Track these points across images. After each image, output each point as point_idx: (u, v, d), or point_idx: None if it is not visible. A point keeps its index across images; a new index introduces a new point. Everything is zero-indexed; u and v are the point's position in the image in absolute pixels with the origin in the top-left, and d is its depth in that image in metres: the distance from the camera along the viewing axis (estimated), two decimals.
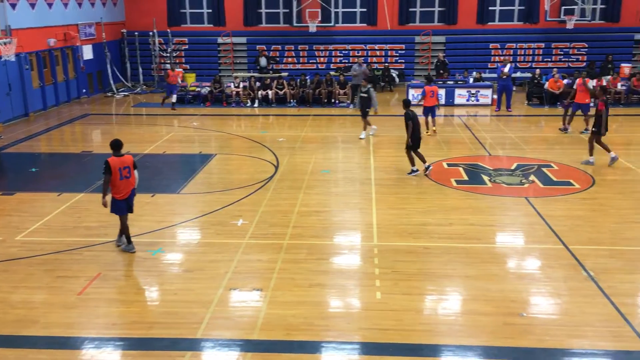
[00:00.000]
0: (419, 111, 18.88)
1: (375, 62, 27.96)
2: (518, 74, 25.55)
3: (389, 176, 13.66)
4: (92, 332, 7.38)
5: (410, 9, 28.38)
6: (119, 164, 9.29)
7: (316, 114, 21.78)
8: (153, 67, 27.99)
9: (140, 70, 27.74)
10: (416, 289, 8.38)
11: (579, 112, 17.90)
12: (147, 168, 14.67)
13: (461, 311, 7.84)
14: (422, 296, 8.22)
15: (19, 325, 7.54)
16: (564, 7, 27.16)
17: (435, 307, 7.98)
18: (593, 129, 14.41)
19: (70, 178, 14.02)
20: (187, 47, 28.88)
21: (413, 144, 13.45)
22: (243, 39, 28.74)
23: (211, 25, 29.11)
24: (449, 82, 23.65)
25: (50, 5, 22.82)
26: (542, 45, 27.75)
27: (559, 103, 22.35)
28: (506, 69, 21.31)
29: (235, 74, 26.45)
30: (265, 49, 27.74)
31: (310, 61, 28.49)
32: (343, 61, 28.03)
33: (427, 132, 18.24)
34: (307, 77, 24.24)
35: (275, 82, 23.83)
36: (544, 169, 14.14)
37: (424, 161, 13.64)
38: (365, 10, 28.43)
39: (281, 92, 23.60)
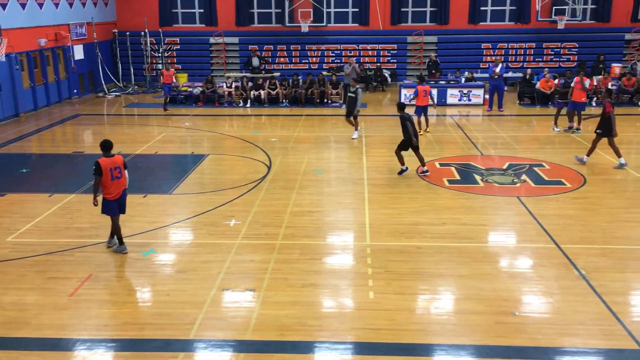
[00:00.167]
0: (411, 111, 18.99)
1: (367, 62, 27.98)
2: (510, 74, 25.65)
3: (381, 176, 13.68)
4: (84, 333, 7.34)
5: (402, 9, 28.44)
6: (110, 165, 9.26)
7: (308, 114, 21.78)
8: (145, 67, 27.91)
9: (132, 70, 27.65)
10: (409, 288, 8.39)
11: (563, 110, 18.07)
12: (139, 169, 14.63)
13: (454, 310, 7.86)
14: (414, 296, 8.24)
15: (10, 327, 7.49)
16: (555, 7, 27.31)
17: (428, 307, 7.99)
18: (598, 131, 14.15)
19: (62, 179, 13.95)
20: (179, 47, 28.81)
21: (404, 145, 13.44)
22: (235, 39, 28.70)
23: (203, 25, 29.05)
24: (441, 82, 23.71)
25: (40, 5, 22.69)
26: (534, 45, 27.88)
27: (550, 103, 22.48)
28: (498, 69, 21.38)
29: (227, 74, 26.41)
30: (258, 48, 27.71)
31: (303, 61, 28.48)
32: (335, 61, 28.05)
33: (419, 132, 18.31)
34: (299, 77, 24.24)
35: (267, 82, 23.81)
36: (536, 169, 14.20)
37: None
38: (357, 10, 28.46)
39: (273, 92, 23.58)
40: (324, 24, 27.95)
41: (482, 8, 28.19)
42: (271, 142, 17.13)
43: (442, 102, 23.04)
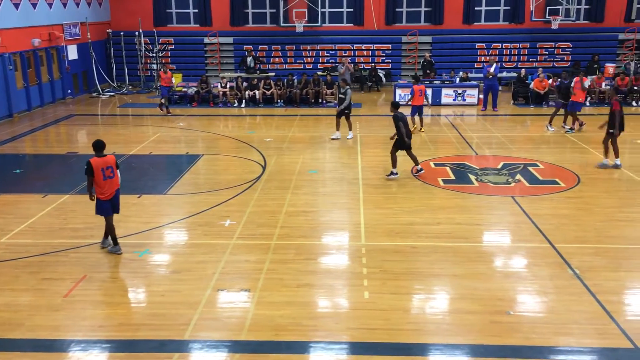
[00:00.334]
0: (407, 111, 19.03)
1: (362, 62, 28.00)
2: (504, 74, 25.72)
3: (376, 176, 13.68)
4: (79, 334, 7.32)
5: (397, 9, 28.48)
6: (102, 164, 9.27)
7: (303, 114, 21.78)
8: (139, 68, 27.84)
9: (126, 70, 27.59)
10: (404, 288, 8.40)
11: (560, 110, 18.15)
12: (134, 169, 14.61)
13: (449, 310, 7.87)
14: (409, 295, 8.25)
15: (4, 328, 7.46)
16: (549, 7, 27.42)
17: (423, 306, 8.00)
18: (610, 130, 14.04)
19: (56, 179, 13.90)
20: (173, 47, 28.74)
21: (401, 145, 13.44)
22: (230, 39, 28.66)
23: (197, 25, 29.01)
24: (435, 82, 23.75)
25: (34, 5, 22.60)
26: (528, 45, 27.96)
27: (544, 102, 22.56)
28: (492, 69, 21.44)
29: (222, 74, 26.38)
30: (252, 48, 27.69)
31: (298, 61, 28.48)
32: (330, 61, 28.06)
33: (412, 130, 18.35)
34: (294, 77, 24.23)
35: (262, 82, 23.79)
36: (530, 168, 14.24)
37: (417, 163, 13.67)
38: (352, 10, 28.48)
39: (268, 93, 23.57)
40: (319, 24, 27.95)
41: (476, 8, 28.26)
42: (266, 142, 17.12)
43: (436, 102, 23.10)
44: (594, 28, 28.02)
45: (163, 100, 21.74)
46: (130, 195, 12.29)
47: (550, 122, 18.51)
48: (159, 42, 27.63)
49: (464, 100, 23.27)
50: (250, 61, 26.49)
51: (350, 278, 8.75)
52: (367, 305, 7.93)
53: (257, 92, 23.51)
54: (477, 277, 8.68)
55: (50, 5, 23.75)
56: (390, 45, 28.33)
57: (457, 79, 24.26)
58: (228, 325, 7.49)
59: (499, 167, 14.45)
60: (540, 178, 13.57)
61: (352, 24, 28.69)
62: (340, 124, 17.38)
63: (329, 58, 28.29)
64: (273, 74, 26.27)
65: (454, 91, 23.32)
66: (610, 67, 25.63)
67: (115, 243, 9.60)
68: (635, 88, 22.85)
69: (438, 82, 23.84)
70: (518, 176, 13.64)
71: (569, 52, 27.85)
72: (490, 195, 12.45)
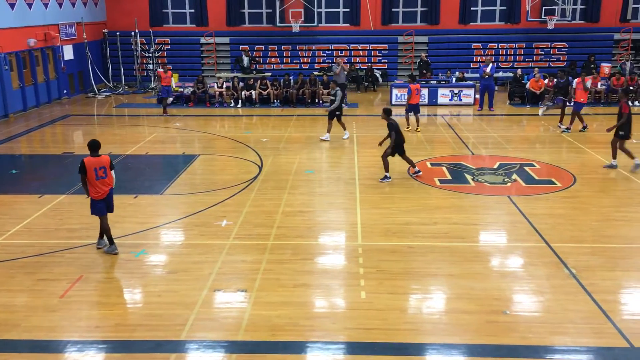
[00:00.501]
0: (402, 110, 19.07)
1: (358, 62, 28.02)
2: (500, 74, 25.78)
3: (373, 176, 13.68)
4: (75, 335, 7.30)
5: (393, 9, 28.50)
6: (95, 164, 9.32)
7: (300, 114, 21.78)
8: (135, 68, 27.80)
9: (122, 70, 27.54)
10: (401, 288, 8.41)
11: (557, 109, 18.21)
12: (130, 169, 14.58)
13: (445, 310, 7.88)
14: (406, 295, 8.25)
15: (0, 329, 7.43)
16: (544, 8, 27.47)
17: (419, 306, 8.01)
18: (620, 133, 13.87)
19: (52, 180, 13.87)
20: (169, 47, 28.71)
21: (398, 151, 13.39)
22: (226, 39, 28.64)
23: (194, 25, 28.98)
24: (432, 82, 23.78)
25: (30, 5, 22.54)
26: (524, 45, 28.02)
27: (540, 103, 22.59)
28: (488, 69, 21.48)
29: (218, 74, 26.36)
30: (249, 48, 27.67)
31: (294, 61, 28.48)
32: (326, 61, 28.05)
33: (407, 129, 18.42)
34: (290, 77, 24.22)
35: (258, 82, 23.78)
36: (526, 168, 14.27)
37: (413, 165, 13.61)
38: (348, 10, 28.49)
39: (265, 93, 23.56)
40: (315, 24, 27.94)
41: (472, 8, 28.31)
42: (262, 142, 17.11)
43: (433, 102, 23.15)
44: (589, 28, 28.10)
45: (169, 102, 21.51)
46: (127, 195, 12.28)
47: (560, 121, 18.53)
48: (155, 42, 27.58)
49: (460, 100, 23.30)
50: (246, 61, 26.47)
51: (347, 278, 8.75)
52: (364, 305, 7.93)
53: (253, 92, 23.49)
54: (474, 276, 8.69)
55: (46, 5, 23.69)
56: (386, 45, 28.35)
57: (454, 79, 24.31)
58: (225, 325, 7.48)
59: (496, 167, 14.47)
60: (537, 178, 13.60)
61: (348, 24, 28.70)
62: (332, 125, 17.31)
63: (325, 58, 28.29)
64: (269, 74, 26.26)
65: (450, 91, 23.36)
66: (606, 67, 25.70)
67: (111, 243, 9.59)
68: (631, 88, 22.91)
69: (434, 82, 23.87)
70: (514, 176, 13.66)
71: (564, 52, 27.92)
72: (487, 195, 12.47)
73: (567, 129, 18.04)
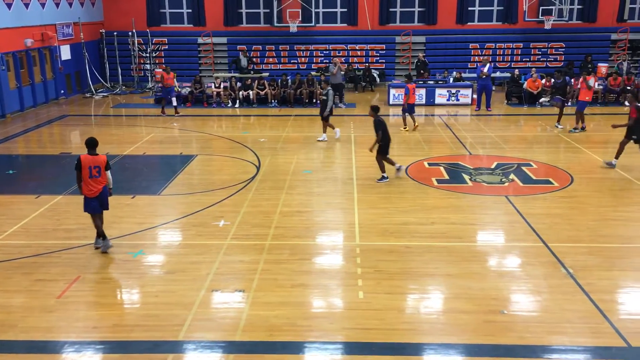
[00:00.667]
0: (400, 110, 19.10)
1: (356, 62, 28.03)
2: (497, 74, 25.80)
3: (370, 176, 13.68)
4: (72, 335, 7.29)
5: (391, 9, 28.52)
6: (91, 162, 9.38)
7: (297, 114, 21.77)
8: (132, 68, 27.77)
9: (120, 70, 27.50)
10: (398, 288, 8.41)
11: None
12: (127, 169, 14.57)
13: (443, 309, 7.88)
14: (404, 295, 8.26)
15: None
16: (542, 8, 27.53)
17: (417, 306, 8.01)
18: (634, 137, 13.81)
19: (49, 180, 13.85)
20: (166, 47, 28.67)
21: (384, 150, 13.34)
22: (223, 39, 28.63)
23: (191, 25, 28.96)
24: (429, 82, 23.79)
25: (27, 5, 22.50)
26: (521, 45, 28.06)
27: (537, 102, 22.64)
28: (485, 69, 21.49)
29: (216, 75, 26.34)
30: (246, 49, 27.67)
31: (292, 61, 28.47)
32: (324, 61, 28.04)
33: (405, 129, 18.46)
34: (288, 77, 24.21)
35: (256, 82, 23.77)
36: (524, 168, 14.28)
37: (393, 164, 13.55)
38: (345, 10, 28.50)
39: (262, 93, 23.55)
40: (313, 24, 27.94)
41: (469, 8, 28.34)
42: (260, 143, 17.11)
43: (430, 102, 23.17)
44: (586, 28, 28.14)
45: (175, 104, 21.31)
46: (124, 195, 12.27)
47: (558, 121, 18.55)
48: (152, 42, 27.56)
49: (458, 100, 23.31)
50: (243, 61, 26.46)
51: (345, 278, 8.75)
52: (362, 305, 7.93)
53: (251, 92, 23.49)
54: (471, 276, 8.70)
55: (43, 5, 23.65)
56: (384, 45, 28.36)
57: (451, 79, 24.32)
58: (222, 325, 7.48)
59: (493, 166, 14.49)
60: (534, 178, 13.62)
61: (346, 24, 28.71)
62: (325, 125, 17.26)
63: (322, 58, 28.29)
64: (267, 74, 26.26)
65: (447, 91, 23.37)
66: (603, 67, 25.73)
67: (104, 237, 9.63)
68: (628, 88, 22.95)
69: (432, 82, 23.89)
70: (512, 176, 13.68)
71: (562, 52, 27.96)
72: (484, 195, 12.48)
73: (575, 129, 17.94)
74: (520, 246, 9.84)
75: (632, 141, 13.92)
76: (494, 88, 23.06)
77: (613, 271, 8.88)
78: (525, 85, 23.05)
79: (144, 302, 8.16)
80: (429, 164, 14.74)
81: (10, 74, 21.49)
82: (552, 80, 20.69)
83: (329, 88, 17.42)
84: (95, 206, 9.51)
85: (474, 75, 23.45)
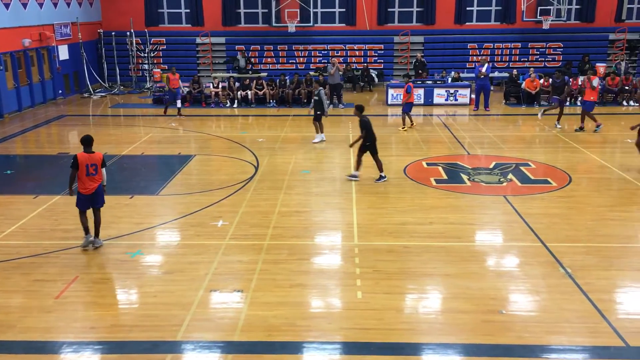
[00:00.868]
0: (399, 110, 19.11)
1: (354, 62, 28.03)
2: (495, 74, 25.81)
3: (369, 176, 13.68)
4: (70, 336, 7.28)
5: (389, 9, 28.52)
6: (87, 160, 9.42)
7: (296, 114, 21.76)
8: (131, 68, 27.74)
9: (118, 70, 27.47)
10: (397, 288, 8.41)
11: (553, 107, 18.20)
12: (126, 169, 14.55)
13: (441, 309, 7.88)
14: (402, 295, 8.26)
15: None
16: (540, 8, 27.56)
17: (415, 306, 8.01)
18: None
19: (47, 180, 13.83)
20: (165, 47, 28.65)
21: (369, 149, 13.19)
22: (222, 39, 28.61)
23: (189, 25, 28.94)
24: (427, 82, 23.80)
25: (24, 5, 22.47)
26: (519, 45, 28.08)
27: (536, 102, 22.67)
28: (484, 69, 21.52)
29: (214, 75, 26.32)
30: (245, 49, 27.66)
31: (290, 61, 28.46)
32: (322, 61, 28.05)
33: (404, 128, 18.48)
34: (286, 77, 24.21)
35: (254, 82, 23.76)
36: (522, 168, 14.30)
37: (357, 168, 13.35)
38: (344, 10, 28.50)
39: (260, 93, 23.55)
40: (311, 24, 27.95)
41: (468, 8, 28.35)
42: (258, 143, 17.10)
43: (429, 102, 23.19)
44: (584, 28, 28.18)
45: (179, 105, 21.19)
46: (122, 195, 12.26)
47: (557, 120, 18.55)
48: (150, 42, 27.53)
49: (456, 100, 23.33)
50: (241, 61, 26.44)
51: (343, 278, 8.75)
52: (360, 305, 7.93)
53: (249, 92, 23.48)
54: (470, 276, 8.70)
55: (40, 5, 23.61)
56: (382, 45, 28.37)
57: (449, 79, 24.33)
58: (221, 325, 7.47)
59: (491, 166, 14.50)
60: (532, 177, 13.63)
61: (344, 24, 28.71)
62: (317, 125, 17.19)
63: (321, 58, 28.29)
64: (265, 74, 26.24)
65: (446, 91, 23.39)
66: (601, 67, 25.77)
67: (87, 232, 9.67)
68: (627, 88, 23.00)
69: (430, 82, 23.90)
70: (510, 176, 13.69)
71: (560, 52, 27.99)
72: (483, 194, 12.49)
73: (598, 126, 17.86)
74: (518, 246, 9.84)
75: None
76: (492, 88, 23.06)
77: (611, 271, 8.89)
78: (523, 85, 23.07)
79: (142, 303, 8.15)
80: (428, 164, 14.75)
81: (8, 74, 21.45)
82: (551, 79, 20.69)
83: (320, 88, 17.39)
84: (86, 203, 9.60)
85: (472, 75, 23.46)
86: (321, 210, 11.66)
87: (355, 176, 13.31)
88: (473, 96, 22.72)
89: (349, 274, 8.85)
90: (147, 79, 27.59)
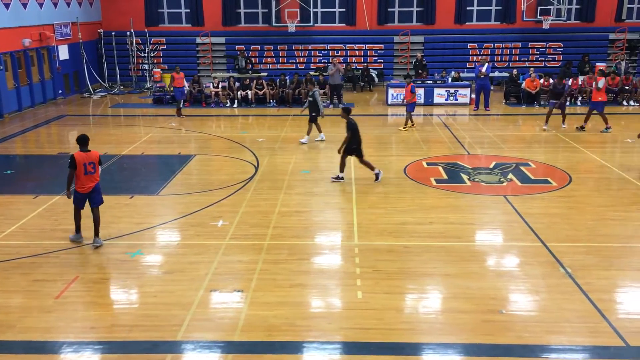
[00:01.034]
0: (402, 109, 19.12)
1: (354, 62, 28.02)
2: (496, 74, 25.81)
3: (369, 175, 13.67)
4: (70, 336, 7.28)
5: (389, 9, 28.52)
6: (85, 159, 9.48)
7: (296, 114, 21.72)
8: (131, 68, 27.74)
9: (118, 70, 27.47)
10: (397, 287, 8.41)
11: (559, 109, 18.13)
12: (126, 169, 14.56)
13: (441, 309, 7.88)
14: (402, 295, 8.26)
15: None
16: (540, 7, 27.55)
17: (416, 306, 8.01)
18: None
19: (47, 180, 13.83)
20: (165, 47, 28.64)
21: (355, 152, 13.18)
22: (222, 39, 28.60)
23: (189, 25, 28.94)
24: (427, 82, 23.80)
25: (25, 5, 22.47)
26: (519, 45, 28.07)
27: (536, 102, 22.66)
28: (484, 69, 21.52)
29: (214, 74, 26.32)
30: (245, 48, 27.65)
31: (290, 61, 28.46)
32: (322, 61, 28.05)
33: (405, 128, 18.49)
34: (286, 77, 24.21)
35: (254, 82, 23.76)
36: (522, 168, 14.29)
37: (341, 170, 13.29)
38: (344, 10, 28.49)
39: (260, 93, 23.54)
40: (311, 24, 27.94)
41: (468, 8, 28.35)
42: (259, 143, 17.10)
43: (429, 102, 23.19)
44: (585, 28, 28.17)
45: (182, 105, 21.16)
46: (123, 195, 12.27)
47: (563, 121, 18.55)
48: (150, 42, 27.53)
49: (456, 100, 23.33)
50: (241, 61, 26.44)
51: (344, 278, 8.75)
52: (360, 305, 7.93)
53: (249, 92, 23.47)
54: (470, 276, 8.70)
55: (40, 5, 23.61)
56: (382, 45, 28.36)
57: (449, 79, 24.33)
58: (221, 325, 7.47)
59: (491, 166, 14.50)
60: (532, 177, 13.63)
61: (344, 24, 28.70)
62: (311, 126, 17.15)
63: (321, 58, 28.29)
64: (265, 74, 26.25)
65: (446, 91, 23.38)
66: (601, 67, 25.74)
67: (77, 231, 9.80)
68: (627, 88, 22.99)
69: (430, 81, 23.89)
70: (510, 175, 13.69)
71: (560, 52, 27.98)
72: (483, 194, 12.48)
73: (607, 128, 17.85)
74: (518, 246, 9.84)
75: None
76: (492, 88, 23.07)
77: (611, 271, 8.89)
78: (523, 85, 23.07)
79: (142, 302, 8.15)
80: (428, 164, 14.74)
81: (8, 74, 21.45)
82: (551, 80, 20.69)
83: (315, 89, 17.38)
84: (82, 201, 9.69)
85: (473, 75, 23.46)
86: (321, 210, 11.65)
87: (339, 178, 13.28)
88: (473, 96, 22.72)
89: (349, 273, 8.85)
90: (147, 78, 27.59)
